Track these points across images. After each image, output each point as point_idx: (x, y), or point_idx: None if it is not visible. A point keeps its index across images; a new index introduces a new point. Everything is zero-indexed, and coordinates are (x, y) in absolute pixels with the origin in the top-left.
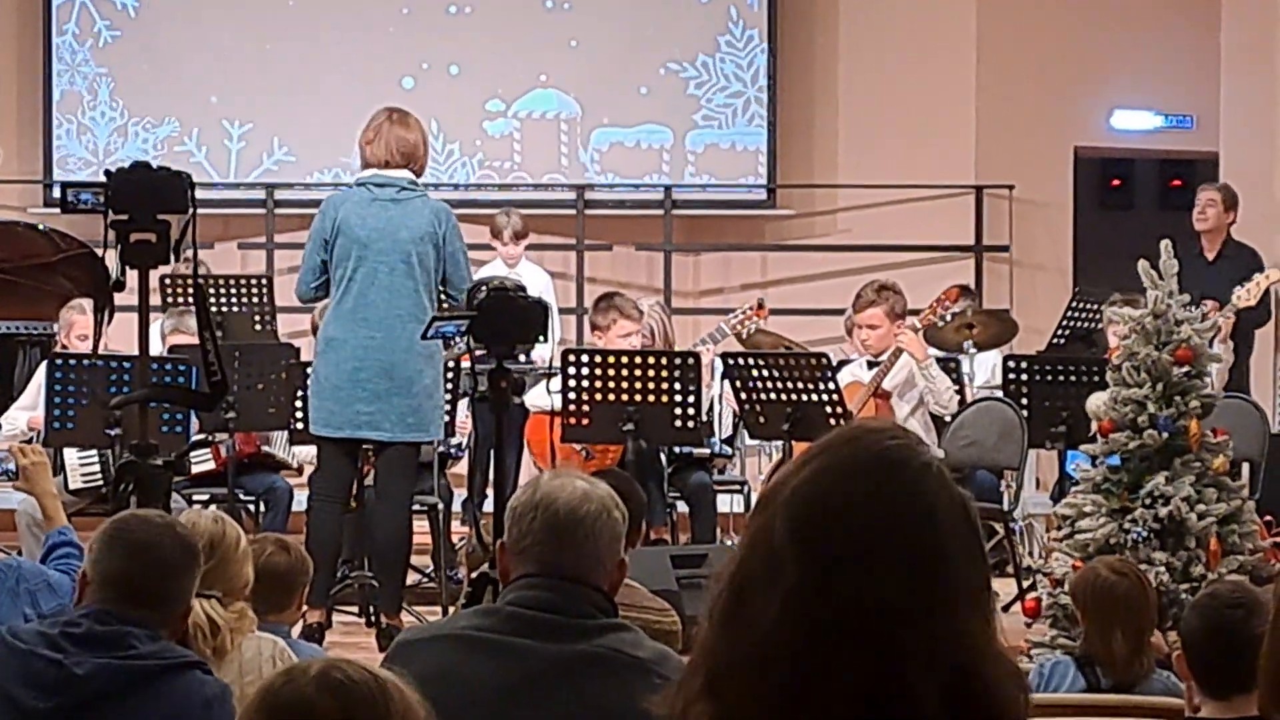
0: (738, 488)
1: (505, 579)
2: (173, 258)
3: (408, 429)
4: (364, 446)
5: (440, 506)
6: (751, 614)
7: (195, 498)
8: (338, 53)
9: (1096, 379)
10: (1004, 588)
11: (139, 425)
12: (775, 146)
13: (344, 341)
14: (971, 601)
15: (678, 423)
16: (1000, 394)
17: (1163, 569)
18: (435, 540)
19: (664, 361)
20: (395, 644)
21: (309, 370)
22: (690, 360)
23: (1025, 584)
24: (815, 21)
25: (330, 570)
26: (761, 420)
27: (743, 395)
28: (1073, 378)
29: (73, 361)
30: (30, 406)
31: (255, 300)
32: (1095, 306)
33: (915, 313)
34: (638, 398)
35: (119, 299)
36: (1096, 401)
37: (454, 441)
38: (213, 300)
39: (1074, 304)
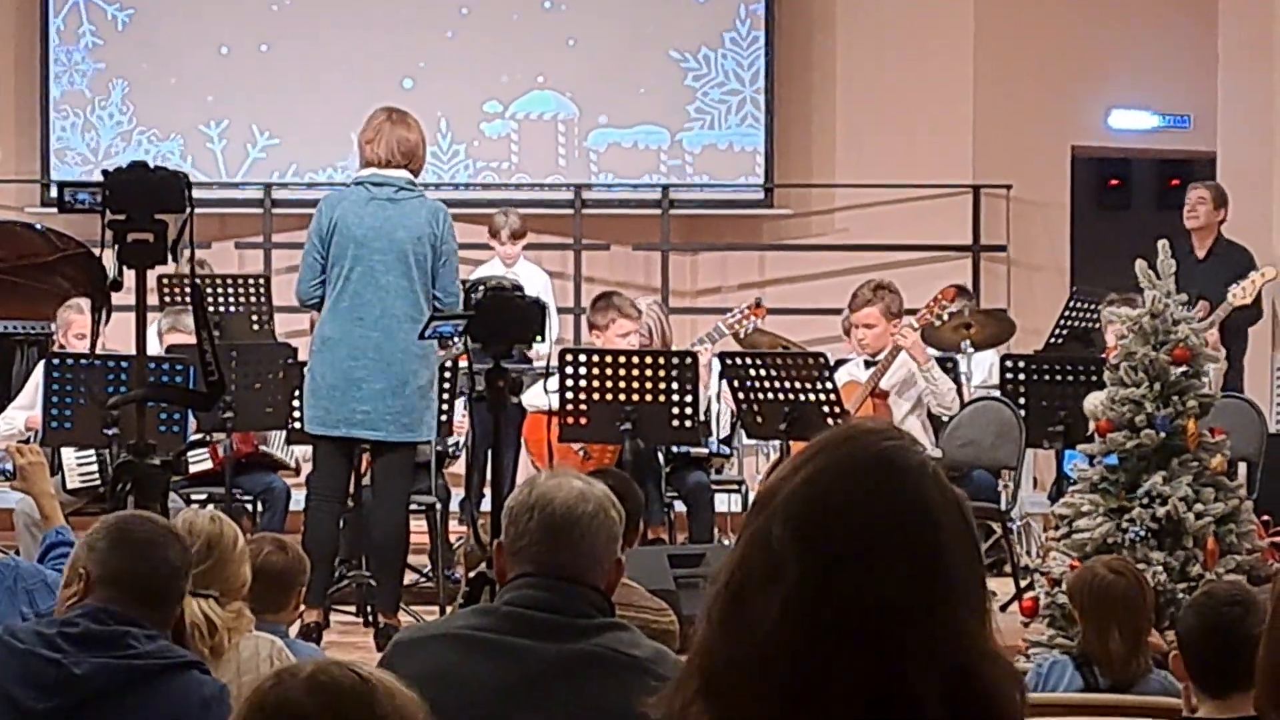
0: (735, 487)
1: (502, 579)
2: (170, 258)
3: (403, 429)
4: (361, 446)
5: (438, 506)
6: (750, 614)
7: (193, 497)
8: (336, 53)
9: (1094, 379)
10: (1001, 587)
11: (136, 425)
12: (772, 146)
13: (340, 341)
14: (969, 601)
15: (675, 422)
16: (998, 394)
17: (1160, 569)
18: (433, 540)
19: (661, 361)
20: (392, 644)
21: (306, 370)
22: (688, 360)
23: (1023, 583)
24: (813, 21)
25: (327, 570)
26: (759, 420)
27: (740, 395)
28: (1070, 377)
29: (70, 361)
30: (28, 406)
31: (253, 300)
32: (1093, 306)
33: (912, 312)
34: (635, 397)
35: (116, 299)
36: (1094, 401)
37: (451, 441)
38: (210, 300)
39: (1071, 304)
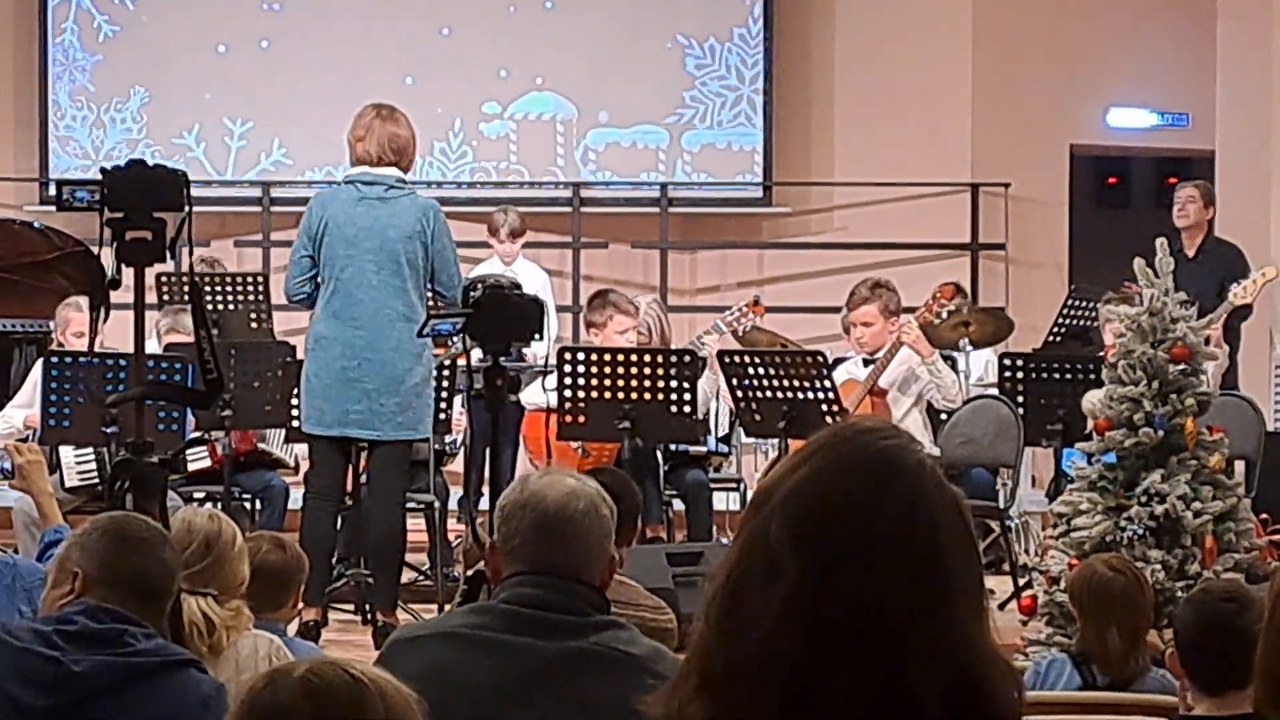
0: (734, 485)
1: (496, 578)
2: (169, 256)
3: (398, 427)
4: (358, 445)
5: (436, 504)
6: (749, 614)
7: (192, 496)
8: (335, 52)
9: (1092, 377)
10: (1000, 585)
11: (135, 423)
12: (771, 144)
13: (333, 340)
14: (968, 600)
15: (674, 420)
16: (996, 392)
17: (1158, 567)
18: (431, 538)
19: (660, 360)
20: (389, 642)
21: (302, 369)
22: (686, 358)
23: (1021, 582)
24: (811, 19)
25: (325, 568)
26: (757, 418)
27: (739, 393)
28: (1068, 375)
29: (69, 359)
30: (26, 404)
31: (251, 298)
32: (1091, 304)
33: (911, 310)
34: (634, 396)
35: (115, 297)
36: (1092, 399)
37: (449, 439)
38: (209, 298)
39: (1070, 302)
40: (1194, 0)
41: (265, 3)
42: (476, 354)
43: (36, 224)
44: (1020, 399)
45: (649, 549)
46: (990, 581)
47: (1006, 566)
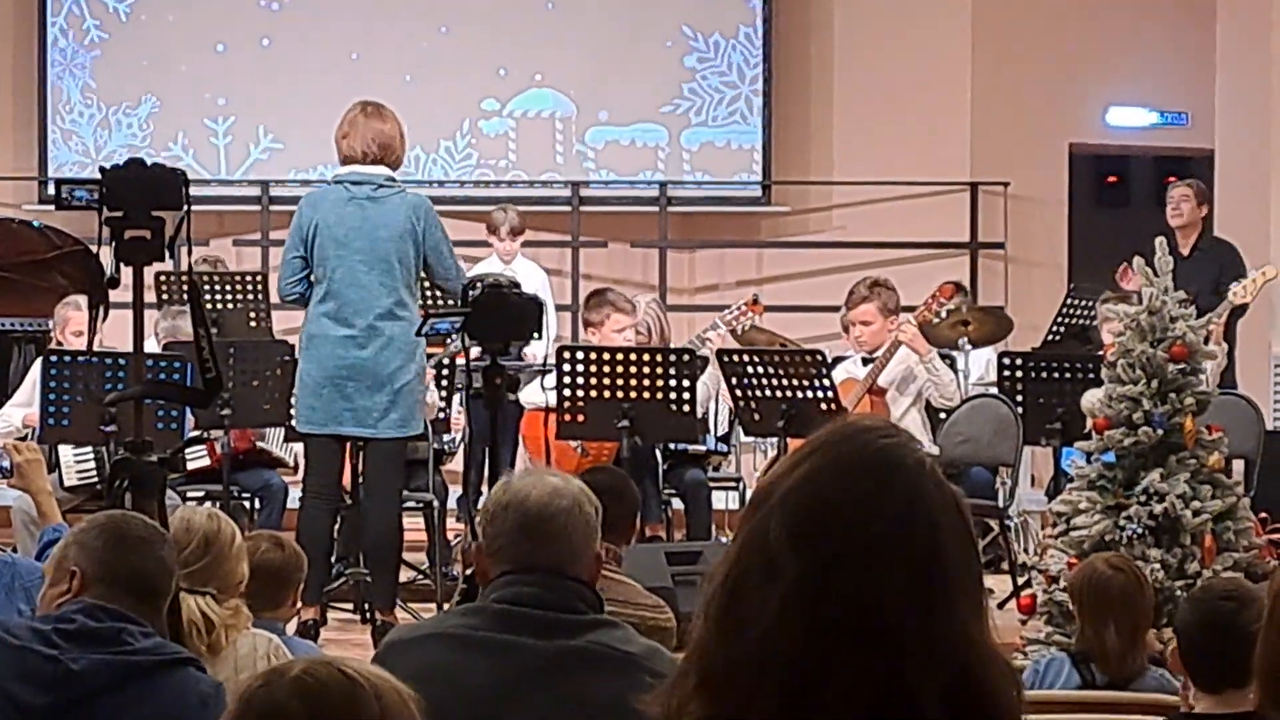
0: (733, 484)
1: (483, 579)
2: (168, 255)
3: (391, 425)
4: (357, 444)
5: (435, 503)
6: (747, 613)
7: (190, 495)
8: (334, 51)
9: (1091, 376)
10: (999, 585)
11: (134, 422)
12: (770, 143)
13: (325, 339)
14: (967, 599)
15: (673, 419)
16: (995, 391)
17: (1158, 566)
18: (430, 537)
19: (659, 359)
20: (384, 644)
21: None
22: (685, 357)
23: (1020, 581)
24: (810, 18)
25: (323, 567)
26: (756, 417)
27: (738, 392)
28: (1068, 374)
29: (68, 358)
30: (25, 403)
31: (250, 297)
32: (1090, 303)
33: (910, 309)
34: (633, 395)
35: (114, 296)
36: (1091, 398)
37: (448, 438)
38: (208, 297)
39: (1069, 301)
40: None
41: (265, 1)
42: (474, 352)
43: (36, 223)
44: (1019, 398)
45: (648, 548)
46: (989, 580)
47: (1006, 565)
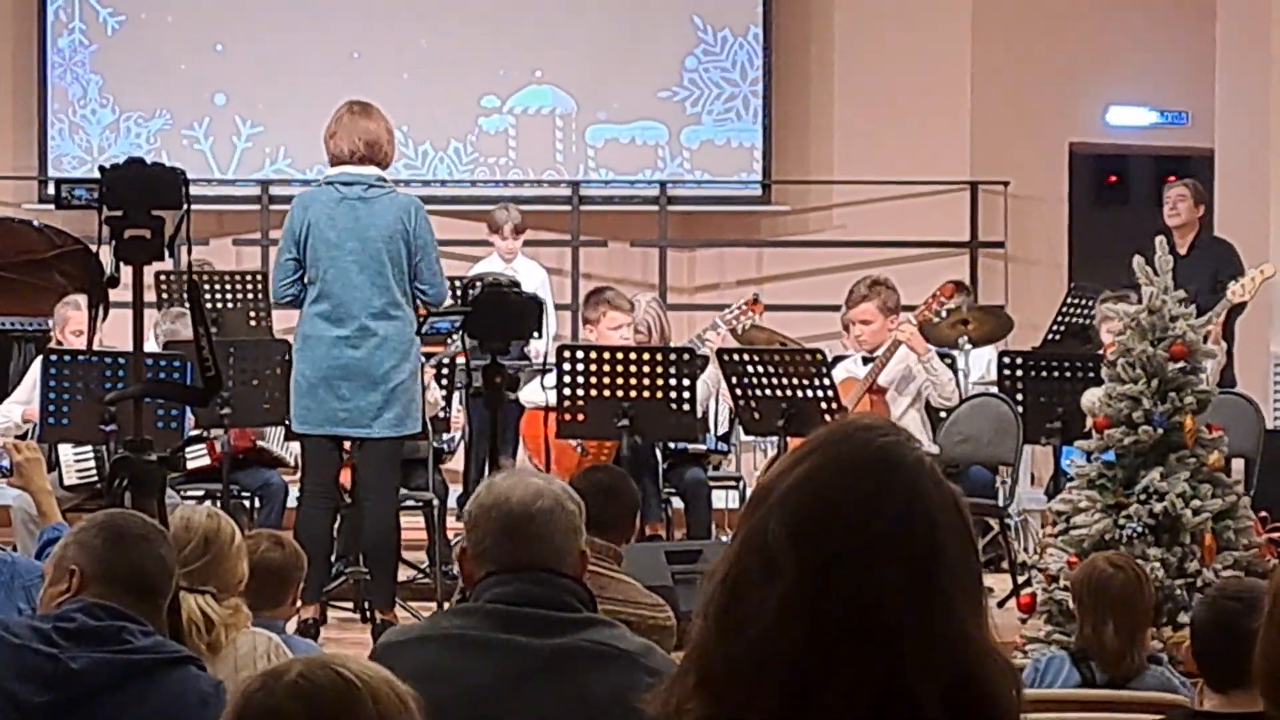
0: (733, 483)
1: (468, 582)
2: (168, 254)
3: (385, 424)
4: (350, 442)
5: (435, 502)
6: (747, 613)
7: (190, 494)
8: (333, 48)
9: (1091, 375)
10: (999, 583)
11: (134, 421)
12: (770, 142)
13: (319, 340)
14: (967, 597)
15: (673, 418)
16: (995, 390)
17: (1157, 565)
18: (430, 536)
19: (659, 358)
20: (379, 646)
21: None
22: (685, 356)
23: (1020, 580)
24: (811, 17)
25: (321, 566)
26: (756, 416)
27: (738, 391)
28: (1068, 373)
29: (67, 357)
30: (25, 401)
31: (250, 296)
32: (1090, 302)
33: (910, 308)
34: (633, 394)
35: (113, 295)
36: (1091, 397)
37: (447, 437)
38: (208, 296)
39: (1069, 300)
40: None
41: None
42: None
43: (35, 223)
44: (1019, 397)
45: (648, 547)
46: (989, 579)
47: (1006, 564)
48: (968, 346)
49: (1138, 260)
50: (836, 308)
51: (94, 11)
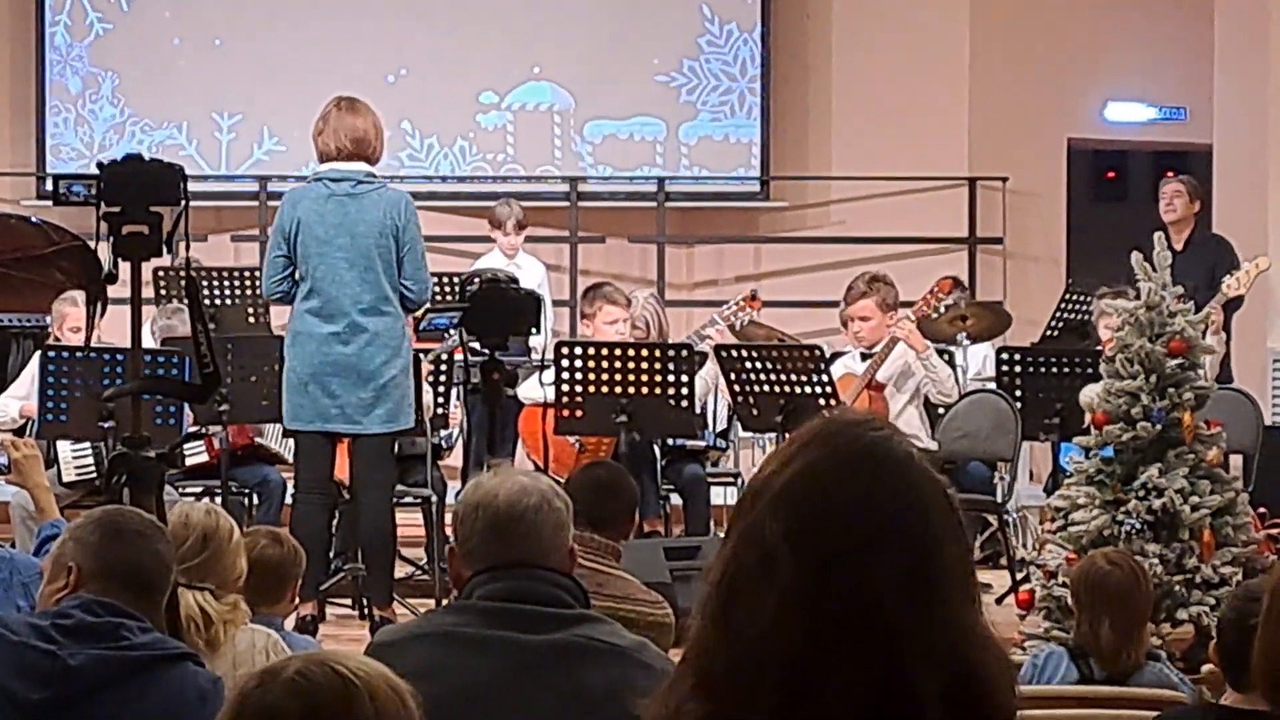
0: (731, 480)
1: (457, 582)
2: (166, 250)
3: (377, 420)
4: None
5: (434, 499)
6: (745, 613)
7: (189, 490)
8: (330, 44)
9: (1090, 371)
10: (997, 580)
11: (132, 417)
12: (768, 138)
13: (309, 336)
14: (962, 587)
15: (671, 415)
16: (993, 386)
17: (1156, 561)
18: (429, 533)
19: (658, 354)
20: (372, 647)
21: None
22: (684, 352)
23: (1019, 576)
24: (808, 13)
25: (318, 562)
26: (755, 412)
27: (736, 387)
28: (1066, 370)
29: (65, 354)
30: (23, 397)
31: (248, 292)
32: (1088, 298)
33: (908, 304)
34: (631, 390)
35: (111, 291)
36: (1090, 393)
37: (444, 433)
38: (206, 292)
39: (1067, 296)
40: None
41: None
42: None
43: (33, 219)
44: (1018, 393)
45: (646, 543)
46: (988, 576)
47: (1004, 561)
48: (966, 342)
49: (1136, 256)
50: (835, 304)
51: (92, 7)
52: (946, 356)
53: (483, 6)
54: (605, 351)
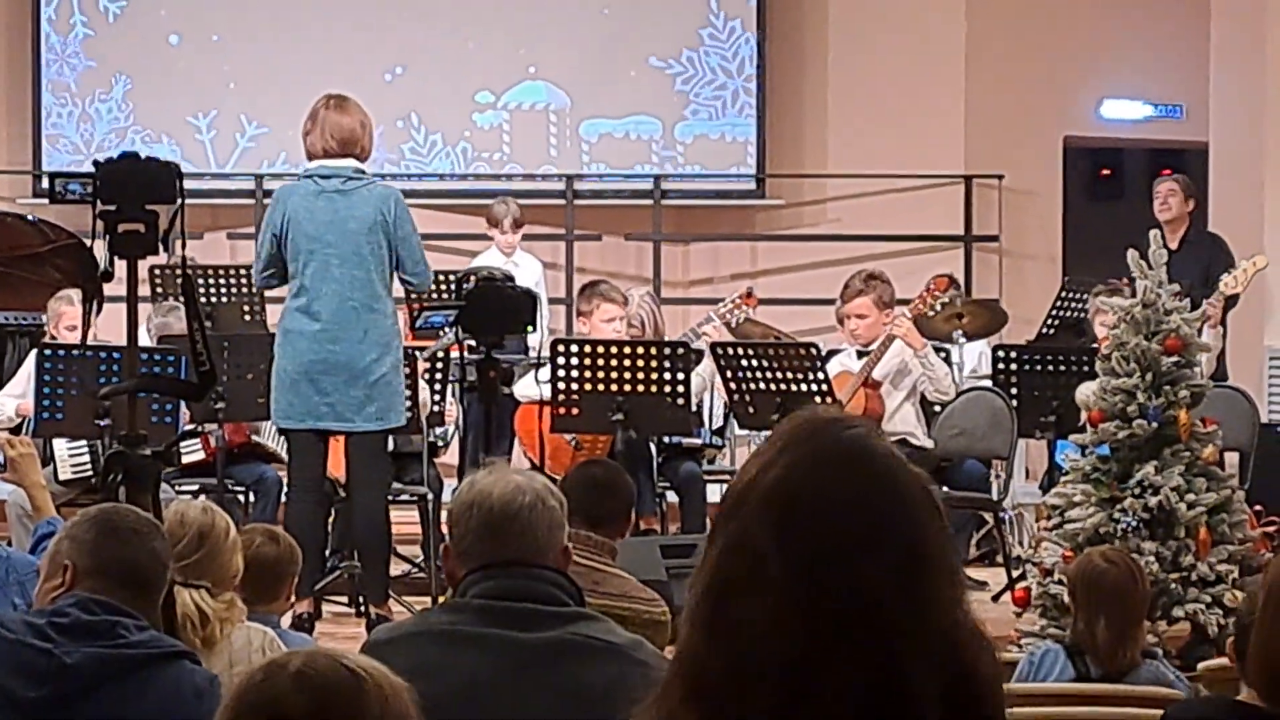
0: (728, 478)
1: (451, 580)
2: (162, 248)
3: (368, 418)
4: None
5: (430, 497)
6: (737, 620)
7: (185, 488)
8: (327, 42)
9: (1086, 369)
10: (994, 577)
11: (128, 416)
12: (764, 137)
13: (299, 334)
14: (949, 577)
15: (667, 412)
16: (989, 384)
17: (1152, 559)
18: (425, 531)
19: (654, 351)
20: (369, 644)
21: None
22: (680, 350)
23: (1015, 574)
24: (804, 11)
25: (314, 560)
26: (751, 410)
27: (732, 385)
28: (1062, 367)
29: (61, 352)
30: (19, 396)
31: (244, 290)
32: (1084, 296)
33: (904, 302)
34: (627, 388)
35: (107, 289)
36: (1086, 391)
37: (440, 431)
38: (202, 290)
39: (1063, 294)
40: None
41: None
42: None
43: (29, 216)
44: (1014, 391)
45: (642, 541)
46: (984, 573)
47: (1000, 559)
48: (961, 340)
49: (1132, 254)
50: (831, 302)
51: (89, 3)
52: (943, 354)
53: (478, 6)
54: (601, 349)
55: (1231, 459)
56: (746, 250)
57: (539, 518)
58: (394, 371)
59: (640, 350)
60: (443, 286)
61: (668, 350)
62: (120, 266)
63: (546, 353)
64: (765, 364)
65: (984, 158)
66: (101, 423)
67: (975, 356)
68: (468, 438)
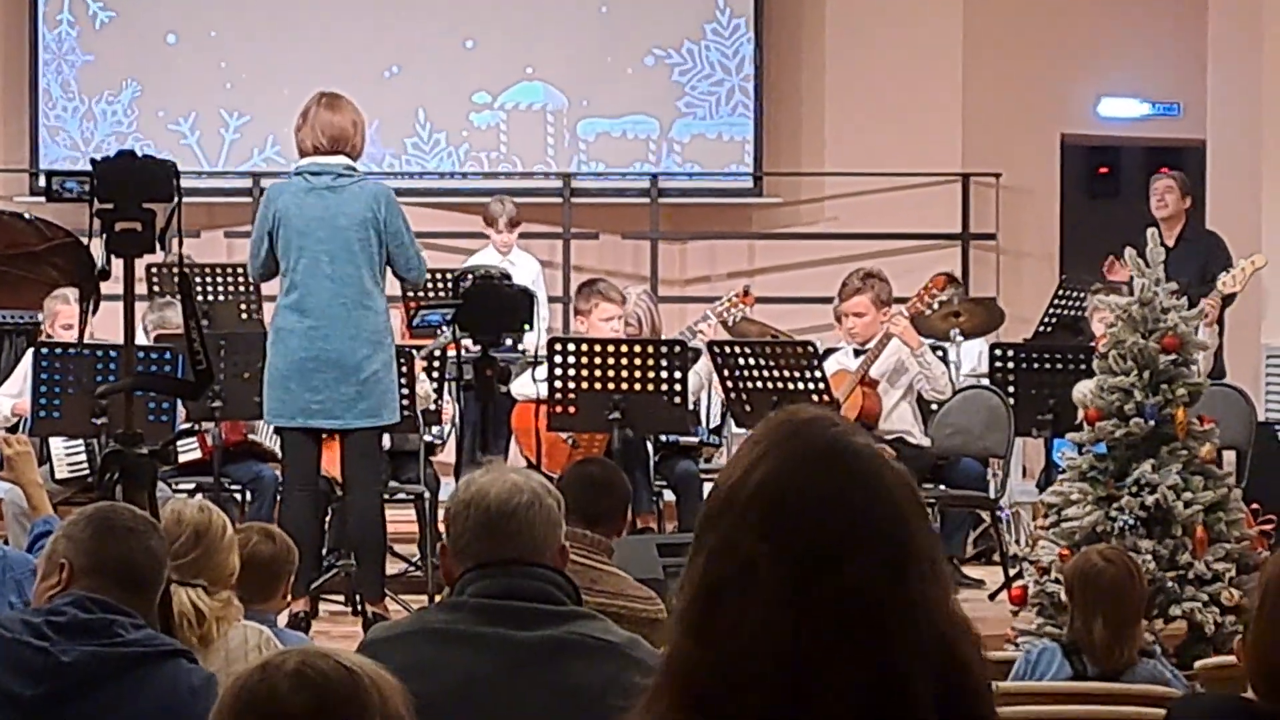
0: None
1: (448, 579)
2: (159, 247)
3: (360, 415)
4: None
5: (427, 495)
6: (729, 623)
7: (181, 487)
8: (324, 42)
9: (1083, 367)
10: (990, 576)
11: (124, 414)
12: (762, 135)
13: (290, 332)
14: (935, 572)
15: (664, 411)
16: (987, 382)
17: (1149, 557)
18: (422, 529)
19: (651, 350)
20: (365, 643)
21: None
22: (677, 349)
23: (1012, 572)
24: (802, 10)
25: (309, 558)
26: (748, 408)
27: (729, 383)
28: (1059, 366)
29: (58, 351)
30: (15, 394)
31: (241, 289)
32: (1082, 294)
33: (902, 300)
34: (624, 386)
35: (104, 288)
36: (1083, 389)
37: (436, 429)
38: (198, 289)
39: (1060, 292)
40: None
41: None
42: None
43: (26, 215)
44: (1011, 389)
45: (639, 539)
46: (981, 572)
47: (997, 557)
48: (959, 339)
49: (1129, 252)
50: (828, 300)
51: (84, 4)
52: (940, 353)
53: (476, 6)
54: (598, 348)
55: (1229, 457)
56: (744, 248)
57: (536, 516)
58: (385, 369)
59: (637, 349)
60: (440, 285)
61: (665, 349)
62: (117, 265)
63: (543, 351)
64: (762, 362)
65: (981, 156)
66: (98, 421)
67: (973, 355)
68: (464, 436)
